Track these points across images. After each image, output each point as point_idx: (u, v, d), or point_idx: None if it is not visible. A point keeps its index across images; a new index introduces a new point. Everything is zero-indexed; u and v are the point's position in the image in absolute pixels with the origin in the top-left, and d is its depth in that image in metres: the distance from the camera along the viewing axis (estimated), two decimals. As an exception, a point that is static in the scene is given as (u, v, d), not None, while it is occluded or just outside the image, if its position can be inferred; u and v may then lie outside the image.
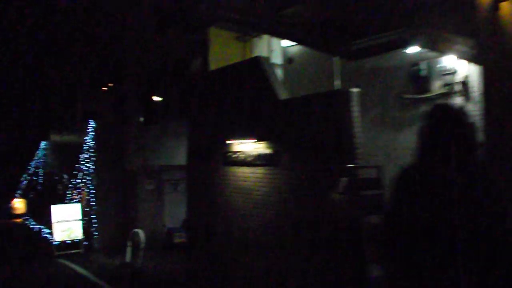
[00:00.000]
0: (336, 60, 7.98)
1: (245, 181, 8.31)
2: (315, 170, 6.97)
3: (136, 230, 12.40)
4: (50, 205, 22.80)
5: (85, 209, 16.32)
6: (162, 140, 13.91)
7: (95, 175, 16.25)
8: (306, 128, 7.23)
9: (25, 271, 13.32)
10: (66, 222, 15.55)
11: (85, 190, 17.09)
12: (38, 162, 29.48)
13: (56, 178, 27.41)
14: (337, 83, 7.85)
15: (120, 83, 16.27)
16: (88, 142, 16.67)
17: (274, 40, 10.54)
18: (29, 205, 26.99)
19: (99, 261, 14.00)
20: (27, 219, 25.38)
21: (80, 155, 17.58)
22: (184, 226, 16.24)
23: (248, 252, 8.41)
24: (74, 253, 15.29)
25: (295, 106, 7.59)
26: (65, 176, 27.63)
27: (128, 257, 12.08)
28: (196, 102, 10.32)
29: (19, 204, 29.10)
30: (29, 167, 29.82)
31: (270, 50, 10.59)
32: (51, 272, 13.04)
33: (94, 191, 16.27)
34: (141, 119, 15.22)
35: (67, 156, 23.06)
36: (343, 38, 7.54)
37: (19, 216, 28.18)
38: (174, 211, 16.27)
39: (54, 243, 15.45)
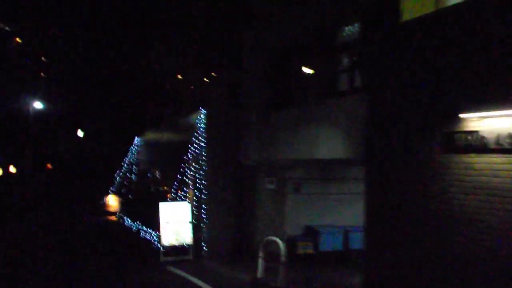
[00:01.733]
0: None
1: (495, 177, 5.54)
2: None
3: (271, 238, 10.03)
4: (143, 203, 21.72)
5: (193, 209, 14.32)
6: (290, 129, 11.46)
7: (205, 172, 14.20)
8: None
9: (130, 278, 11.45)
10: (175, 223, 13.58)
11: (192, 188, 15.13)
12: (131, 159, 28.48)
13: (149, 175, 26.12)
14: None
15: (237, 63, 14.08)
16: (197, 134, 14.69)
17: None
18: (122, 202, 25.89)
19: (218, 272, 11.81)
20: (122, 217, 24.21)
21: (184, 149, 15.73)
22: (308, 234, 13.75)
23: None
24: (183, 260, 13.29)
25: None
26: (158, 173, 26.31)
27: (260, 271, 9.72)
28: (386, 66, 7.63)
29: (112, 201, 28.25)
30: (122, 164, 28.93)
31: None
32: (164, 282, 11.04)
33: (203, 190, 14.22)
34: (264, 103, 12.91)
35: (164, 152, 21.55)
36: None
37: (112, 213, 27.28)
38: (295, 216, 13.82)
39: (160, 246, 13.54)
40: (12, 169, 36.66)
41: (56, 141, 37.99)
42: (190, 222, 13.76)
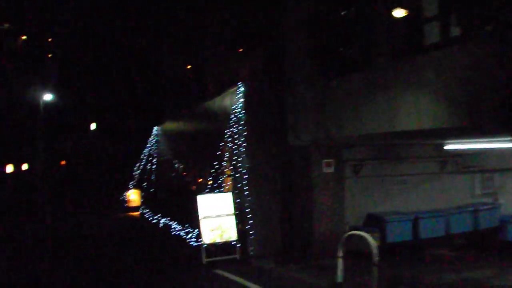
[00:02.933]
0: None
1: None
2: None
3: (356, 232, 8.05)
4: (172, 197, 19.87)
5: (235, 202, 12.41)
6: (355, 99, 9.44)
7: (246, 158, 12.27)
8: None
9: (177, 285, 9.63)
10: (217, 218, 11.69)
11: (231, 177, 13.23)
12: (152, 150, 26.66)
13: (176, 166, 24.17)
14: None
15: (275, 27, 11.99)
16: (232, 117, 12.75)
17: None
18: (145, 197, 24.11)
19: (280, 275, 9.89)
20: (145, 213, 22.44)
21: (215, 135, 13.83)
22: (372, 223, 11.79)
23: None
24: (228, 259, 11.42)
25: None
26: (178, 163, 24.36)
27: (339, 274, 7.77)
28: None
29: (134, 196, 26.50)
30: (142, 156, 27.12)
31: None
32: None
33: (244, 179, 12.30)
34: (314, 73, 10.88)
35: (189, 140, 19.66)
36: None
37: (135, 209, 25.55)
38: (356, 203, 11.88)
39: (200, 245, 11.68)
40: (24, 166, 35.12)
41: (68, 135, 36.29)
42: (233, 214, 11.85)
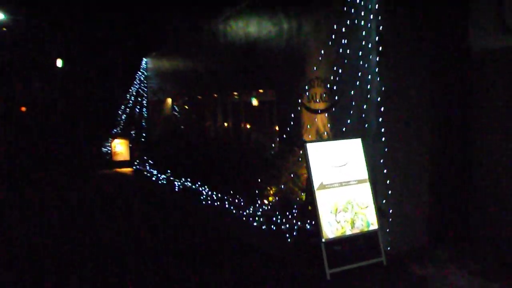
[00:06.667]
0: None
1: None
2: None
3: None
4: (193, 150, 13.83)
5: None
6: None
7: (379, 73, 6.66)
8: None
9: None
10: (342, 187, 6.12)
11: (328, 107, 7.65)
12: (140, 85, 20.51)
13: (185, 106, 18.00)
14: None
15: None
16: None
17: None
18: (144, 149, 18.09)
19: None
20: (143, 170, 16.61)
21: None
22: None
23: None
24: (367, 267, 6.01)
25: None
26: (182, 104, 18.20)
27: None
28: None
29: (120, 147, 20.48)
30: (128, 96, 20.92)
31: None
32: None
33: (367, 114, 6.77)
34: None
35: (204, 72, 13.65)
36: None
37: (123, 163, 19.64)
38: None
39: (317, 241, 6.21)
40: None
41: (28, 74, 29.29)
42: (367, 180, 6.32)
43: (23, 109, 33.37)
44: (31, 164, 20.30)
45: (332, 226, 5.92)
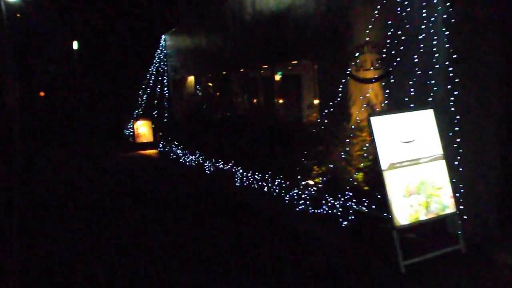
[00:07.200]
0: None
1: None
2: None
3: None
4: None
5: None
6: None
7: (449, 40, 5.73)
8: None
9: None
10: (414, 166, 5.30)
11: (383, 75, 6.75)
12: (160, 64, 19.70)
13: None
14: None
15: None
16: None
17: None
18: (169, 128, 17.37)
19: None
20: (166, 151, 15.96)
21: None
22: None
23: None
24: (444, 255, 5.24)
25: None
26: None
27: None
28: None
29: (143, 128, 19.89)
30: (148, 75, 20.18)
31: None
32: None
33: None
34: None
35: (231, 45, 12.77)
36: None
37: (147, 145, 19.07)
38: None
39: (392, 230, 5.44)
40: None
41: (45, 58, 28.74)
42: (442, 157, 5.48)
43: (42, 94, 32.98)
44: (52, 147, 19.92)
45: (405, 211, 5.12)
